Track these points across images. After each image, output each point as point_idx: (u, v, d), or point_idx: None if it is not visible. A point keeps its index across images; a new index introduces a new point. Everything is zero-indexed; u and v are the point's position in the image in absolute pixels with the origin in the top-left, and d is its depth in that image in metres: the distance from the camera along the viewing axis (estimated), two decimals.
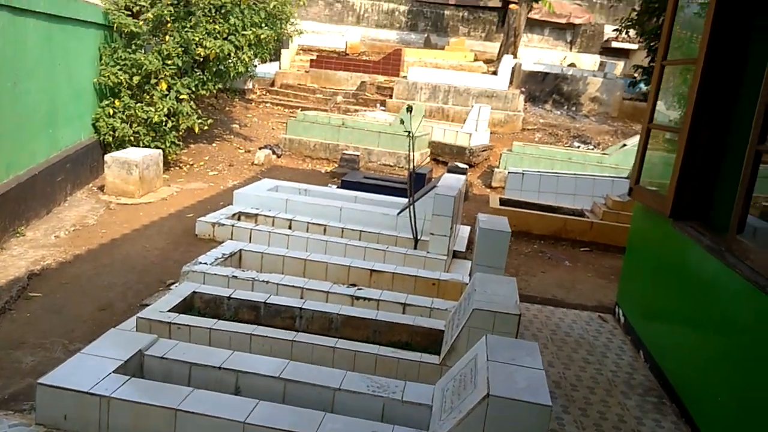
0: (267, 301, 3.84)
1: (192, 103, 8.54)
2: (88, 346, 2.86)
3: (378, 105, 14.74)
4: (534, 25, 23.38)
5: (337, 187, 8.71)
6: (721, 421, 2.91)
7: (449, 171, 9.42)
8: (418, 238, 5.75)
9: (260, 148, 10.56)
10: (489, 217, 4.44)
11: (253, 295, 3.91)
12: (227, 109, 13.25)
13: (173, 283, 4.55)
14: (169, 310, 3.59)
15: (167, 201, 7.05)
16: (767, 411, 2.50)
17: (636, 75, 17.99)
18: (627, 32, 17.74)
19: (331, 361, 3.32)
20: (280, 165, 10.14)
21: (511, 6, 18.14)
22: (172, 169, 8.57)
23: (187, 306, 3.82)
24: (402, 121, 5.65)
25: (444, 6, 24.02)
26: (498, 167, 10.08)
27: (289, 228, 6.03)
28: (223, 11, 8.71)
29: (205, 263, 4.48)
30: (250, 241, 5.67)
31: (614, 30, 21.25)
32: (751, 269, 2.78)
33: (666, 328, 3.84)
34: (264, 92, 16.18)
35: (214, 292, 3.89)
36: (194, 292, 3.88)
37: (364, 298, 4.17)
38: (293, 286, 4.23)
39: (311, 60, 17.34)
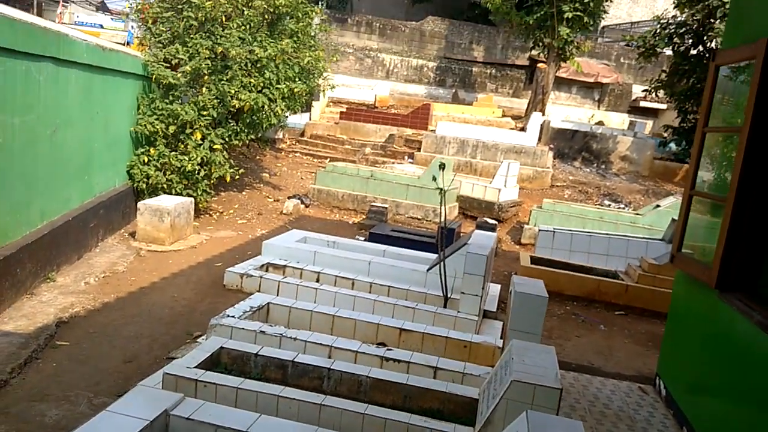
0: (295, 360, 3.74)
1: (225, 152, 8.67)
2: (114, 403, 2.78)
3: (406, 158, 14.83)
4: (562, 83, 23.59)
5: (365, 240, 8.68)
6: None
7: (478, 227, 9.33)
8: (449, 296, 5.63)
9: (289, 198, 10.63)
10: (524, 280, 4.32)
11: (281, 353, 3.81)
12: (257, 158, 13.45)
13: (200, 336, 4.48)
14: (195, 366, 3.51)
15: (196, 249, 7.07)
16: None
17: (665, 135, 17.96)
18: (656, 93, 17.84)
19: (360, 428, 3.19)
20: (309, 215, 10.17)
21: (540, 65, 18.35)
22: (202, 216, 8.64)
23: (213, 362, 3.74)
24: (434, 178, 5.62)
25: (472, 63, 24.45)
26: (528, 224, 9.96)
27: (317, 281, 5.96)
28: (258, 65, 8.93)
29: (233, 317, 4.41)
30: (278, 294, 5.62)
31: (643, 90, 21.39)
32: None
33: (713, 405, 3.63)
34: (294, 142, 16.45)
35: (242, 349, 3.81)
36: (221, 347, 3.81)
37: (394, 360, 4.04)
38: (321, 344, 4.13)
39: (341, 112, 17.64)
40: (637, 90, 25.89)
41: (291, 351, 4.03)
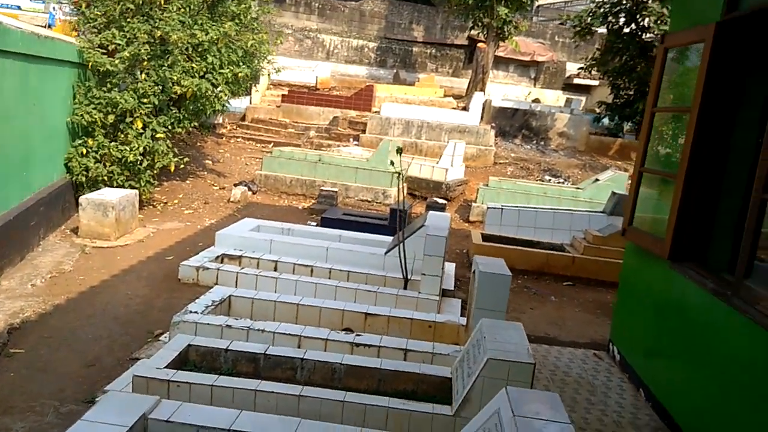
0: (267, 353, 3.71)
1: (168, 141, 8.38)
2: (88, 412, 2.68)
3: (351, 140, 14.77)
4: (499, 62, 23.97)
5: (317, 225, 8.63)
6: None
7: (429, 207, 9.46)
8: (409, 278, 5.69)
9: (235, 185, 10.41)
10: (486, 260, 4.42)
11: (252, 347, 3.77)
12: (198, 144, 13.08)
13: (162, 334, 4.36)
14: (165, 366, 3.43)
15: (144, 243, 6.84)
16: None
17: (599, 110, 18.61)
18: (590, 70, 18.42)
19: (341, 416, 3.20)
20: (257, 202, 10.00)
21: (480, 45, 18.57)
22: (146, 208, 8.35)
23: (182, 360, 3.66)
24: (392, 162, 5.64)
25: (412, 43, 24.46)
26: (475, 202, 10.15)
27: (275, 270, 5.90)
28: (200, 50, 8.64)
29: (196, 312, 4.31)
30: (236, 286, 5.53)
31: (579, 68, 22.04)
32: (763, 314, 2.81)
33: (669, 368, 3.85)
34: (235, 127, 16.06)
35: (210, 345, 3.74)
36: (189, 345, 3.73)
37: (365, 345, 4.07)
38: (290, 334, 4.11)
39: (283, 95, 17.33)
40: (571, 67, 26.66)
41: (260, 343, 4.00)
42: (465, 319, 4.74)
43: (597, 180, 10.39)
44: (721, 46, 3.69)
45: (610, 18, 16.07)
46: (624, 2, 14.97)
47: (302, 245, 6.27)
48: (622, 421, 3.74)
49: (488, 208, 8.85)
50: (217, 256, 6.00)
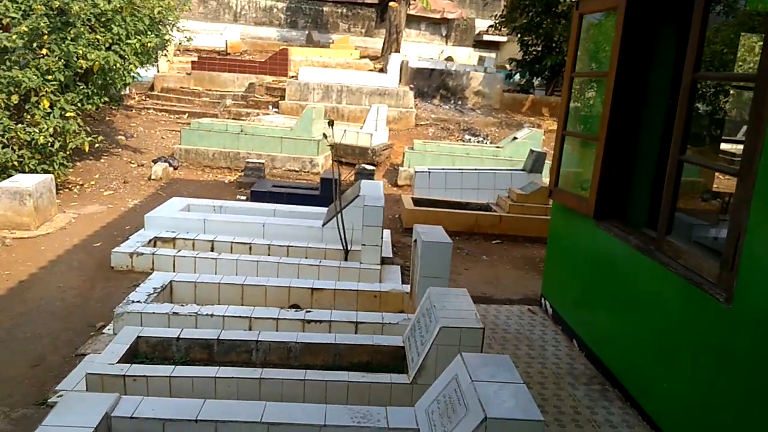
0: (220, 338, 3.71)
1: (79, 119, 7.91)
2: (48, 417, 2.62)
3: (270, 107, 14.46)
4: (411, 21, 23.96)
5: (247, 199, 8.52)
6: (667, 402, 3.26)
7: (357, 173, 9.51)
8: (349, 248, 5.78)
9: (154, 161, 10.02)
10: (425, 228, 4.57)
11: (204, 333, 3.75)
12: (108, 119, 12.39)
13: (104, 326, 4.25)
14: (117, 362, 3.37)
15: (67, 230, 6.51)
16: (708, 391, 2.85)
17: (509, 67, 19.15)
18: (499, 27, 18.83)
19: (302, 395, 3.30)
20: (179, 178, 9.68)
21: (392, 4, 18.47)
22: (62, 192, 7.90)
23: (133, 353, 3.60)
24: (325, 135, 5.64)
25: (323, 2, 23.94)
26: (402, 166, 10.31)
27: (212, 250, 5.82)
28: (103, 20, 8.12)
29: (139, 302, 4.22)
30: (173, 270, 5.42)
31: (489, 26, 22.43)
32: (685, 267, 3.13)
33: (599, 319, 4.19)
34: (143, 97, 15.31)
35: (161, 335, 3.70)
36: (138, 337, 3.67)
37: (316, 321, 4.16)
38: (240, 317, 4.12)
39: (193, 62, 16.61)
40: (480, 24, 27.10)
41: (210, 329, 3.99)
42: (408, 286, 4.91)
43: (515, 138, 10.80)
44: (633, 11, 3.93)
45: None
46: None
47: (238, 222, 6.19)
48: (560, 372, 4.06)
49: (416, 172, 9.03)
50: (150, 240, 5.83)
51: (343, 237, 5.70)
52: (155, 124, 13.16)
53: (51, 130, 7.35)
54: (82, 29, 7.76)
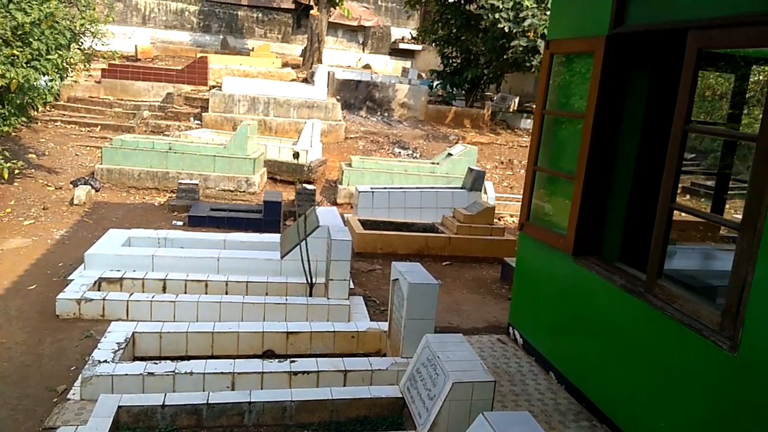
0: (209, 401, 3.46)
1: None
2: None
3: (192, 119, 13.84)
4: (329, 28, 23.81)
5: (184, 224, 8.09)
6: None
7: (298, 193, 9.28)
8: (313, 282, 5.61)
9: (74, 183, 9.27)
10: (406, 266, 4.51)
11: (191, 397, 3.49)
12: (14, 135, 11.32)
13: (66, 390, 3.84)
14: None
15: None
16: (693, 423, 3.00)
17: (424, 76, 19.52)
18: (421, 37, 19.14)
19: None
20: (103, 201, 9.02)
21: (313, 12, 18.25)
22: None
23: (115, 426, 3.28)
24: (296, 155, 5.42)
25: (237, 6, 23.26)
26: (341, 184, 10.17)
27: (164, 290, 5.45)
28: (20, 33, 7.40)
29: (107, 361, 3.86)
30: (127, 316, 5.02)
31: (412, 39, 22.72)
32: (681, 312, 3.26)
33: (581, 354, 4.30)
34: (50, 108, 14.14)
35: (144, 403, 3.40)
36: (119, 406, 3.35)
37: (303, 372, 3.98)
38: (222, 373, 3.87)
39: (103, 69, 15.56)
40: (396, 33, 27.44)
41: (191, 389, 3.73)
42: (385, 324, 4.82)
43: (450, 154, 10.96)
44: (610, 56, 4.07)
45: None
46: None
47: (189, 257, 5.83)
48: (547, 409, 4.13)
49: (359, 191, 8.93)
50: (95, 282, 5.36)
51: (308, 271, 5.52)
52: (66, 139, 12.19)
53: None
54: None
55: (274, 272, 5.84)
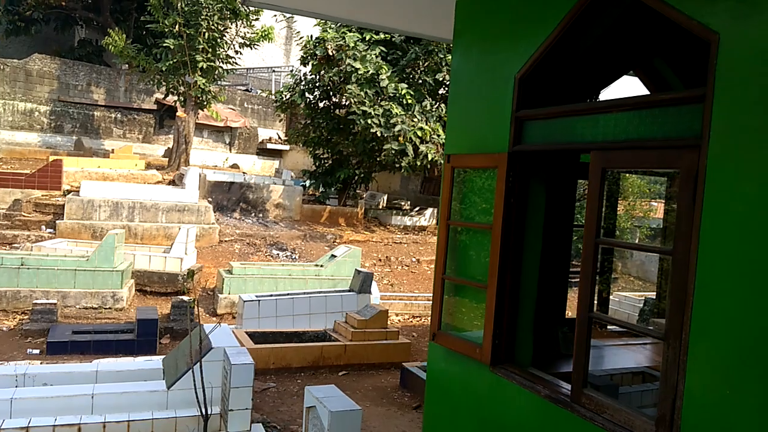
0: None
1: None
2: None
3: (44, 228, 12.54)
4: (194, 128, 23.46)
5: (42, 353, 7.07)
6: None
7: (174, 307, 8.56)
8: (209, 414, 5.02)
9: None
10: (323, 392, 4.19)
11: None
12: None
13: None
14: None
15: None
16: None
17: (297, 176, 19.68)
18: (289, 139, 19.43)
19: None
20: None
21: (179, 114, 17.88)
22: None
23: None
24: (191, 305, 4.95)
25: (93, 107, 22.18)
26: (222, 292, 9.57)
27: None
28: None
29: None
30: None
31: (280, 139, 23.00)
32: (613, 423, 3.29)
33: None
34: None
35: None
36: None
37: None
38: None
39: None
40: (263, 133, 27.70)
41: None
42: None
43: (334, 256, 10.86)
44: (512, 170, 4.28)
45: (308, 94, 17.29)
46: (325, 83, 16.25)
47: (57, 396, 5.01)
48: None
49: (243, 301, 8.44)
50: None
51: (203, 402, 4.95)
52: None
53: None
54: None
55: (159, 406, 5.18)
